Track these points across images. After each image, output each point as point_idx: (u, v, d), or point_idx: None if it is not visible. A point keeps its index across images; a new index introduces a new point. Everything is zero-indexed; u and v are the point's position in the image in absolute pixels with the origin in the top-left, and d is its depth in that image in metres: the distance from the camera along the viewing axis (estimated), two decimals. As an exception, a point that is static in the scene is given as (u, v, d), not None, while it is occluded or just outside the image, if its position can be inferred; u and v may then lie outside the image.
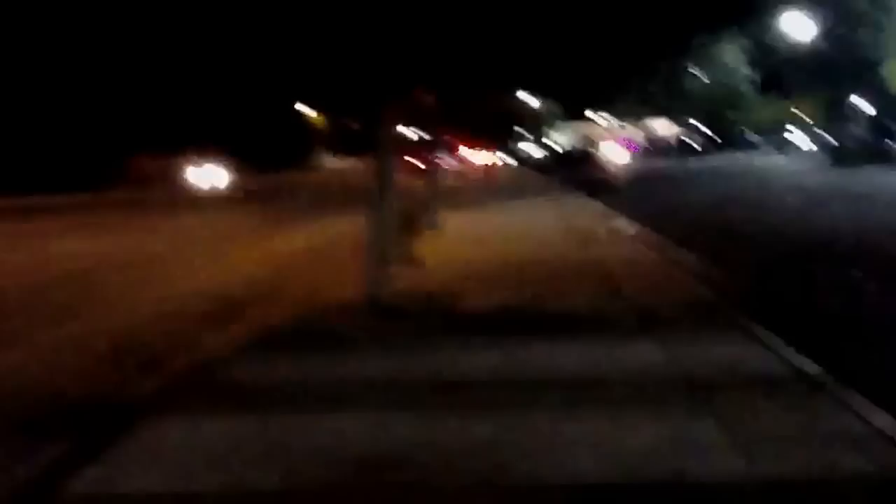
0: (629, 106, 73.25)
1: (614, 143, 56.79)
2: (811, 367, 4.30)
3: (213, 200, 25.34)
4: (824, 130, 51.40)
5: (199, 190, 30.15)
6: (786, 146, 53.04)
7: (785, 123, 55.44)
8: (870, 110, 39.74)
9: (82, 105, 31.96)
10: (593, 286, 7.21)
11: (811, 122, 53.17)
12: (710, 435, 3.40)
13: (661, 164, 47.74)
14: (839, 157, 36.29)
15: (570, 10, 73.91)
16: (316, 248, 11.31)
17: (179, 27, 36.66)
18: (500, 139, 67.76)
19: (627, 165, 35.95)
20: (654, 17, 67.37)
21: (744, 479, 2.96)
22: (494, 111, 59.82)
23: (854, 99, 41.49)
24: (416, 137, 17.52)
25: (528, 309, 6.34)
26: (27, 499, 3.06)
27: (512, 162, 64.46)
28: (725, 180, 27.87)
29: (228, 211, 21.04)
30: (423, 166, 13.78)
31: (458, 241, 11.01)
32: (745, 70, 60.92)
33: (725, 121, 64.78)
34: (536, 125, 78.81)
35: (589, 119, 79.84)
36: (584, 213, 15.64)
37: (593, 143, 48.06)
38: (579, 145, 53.15)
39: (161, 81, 35.75)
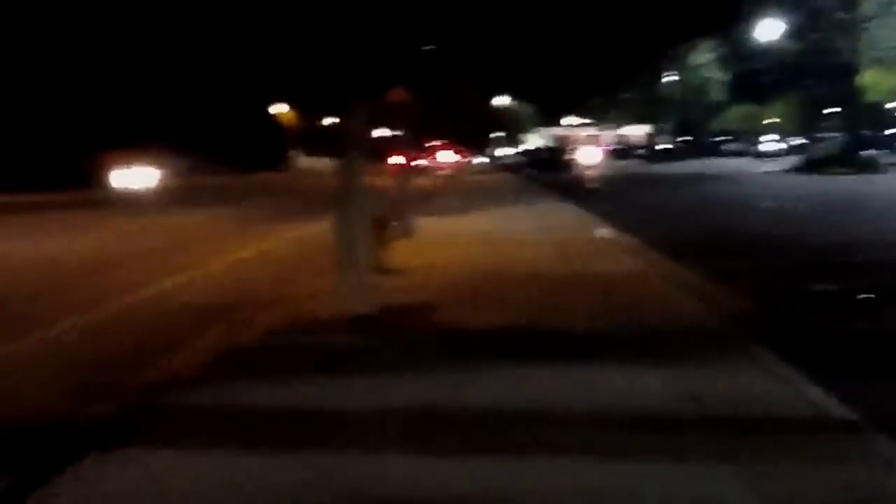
0: (604, 111, 73.63)
1: (589, 147, 56.95)
2: (837, 408, 3.72)
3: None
4: (798, 136, 51.80)
5: (126, 191, 28.67)
6: (760, 151, 53.30)
7: (758, 129, 55.82)
8: (844, 117, 39.99)
9: (51, 104, 31.19)
10: (583, 301, 6.62)
11: (785, 128, 53.59)
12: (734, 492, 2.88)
13: (634, 167, 47.69)
14: (813, 163, 36.39)
15: (549, 16, 73.93)
16: (275, 254, 10.68)
17: (154, 27, 35.88)
18: (477, 141, 67.57)
19: (601, 168, 36.33)
20: (631, 23, 67.55)
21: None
22: (472, 113, 59.44)
23: (828, 106, 41.79)
24: (391, 137, 16.93)
25: (517, 327, 5.72)
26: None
27: (489, 163, 64.30)
28: (701, 184, 27.79)
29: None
30: (403, 166, 13.26)
31: (434, 249, 10.39)
32: (719, 75, 61.31)
33: (699, 126, 65.18)
34: (513, 128, 78.72)
35: (565, 123, 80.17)
36: (563, 217, 15.13)
37: (568, 147, 48.11)
38: (554, 148, 53.16)
39: (134, 81, 35.08)
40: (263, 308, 6.55)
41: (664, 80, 65.03)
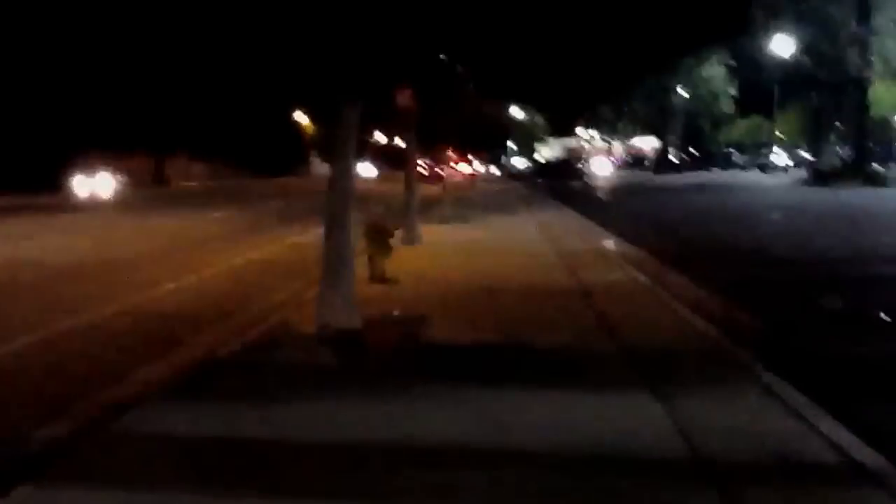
0: (614, 122, 73.50)
1: (599, 159, 56.80)
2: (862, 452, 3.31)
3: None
4: (806, 149, 51.53)
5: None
6: (766, 164, 53.03)
7: (766, 142, 55.54)
8: (852, 131, 39.71)
9: (55, 106, 31.00)
10: (583, 318, 6.38)
11: (792, 141, 53.31)
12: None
13: (642, 179, 47.47)
14: (820, 176, 36.16)
15: (560, 24, 73.78)
16: (275, 260, 10.52)
17: (177, 36, 35.93)
18: (489, 151, 67.37)
19: (610, 179, 36.30)
20: (640, 35, 67.28)
21: None
22: (484, 122, 59.29)
23: (837, 119, 41.51)
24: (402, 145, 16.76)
25: (511, 347, 5.44)
26: None
27: (500, 173, 64.22)
28: (707, 197, 27.56)
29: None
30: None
31: (437, 258, 10.22)
32: (727, 88, 61.07)
33: (707, 138, 64.94)
34: (526, 139, 78.54)
35: (575, 134, 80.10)
36: (569, 227, 14.97)
37: (578, 158, 48.03)
38: (565, 159, 53.20)
39: (159, 86, 35.18)
40: (247, 319, 6.34)
41: (673, 91, 64.78)
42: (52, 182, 27.10)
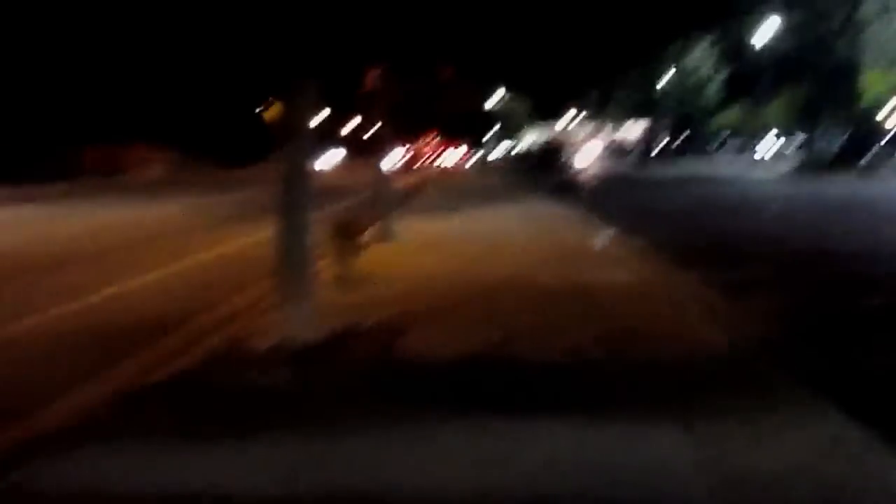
0: (600, 109, 72.93)
1: (584, 147, 56.33)
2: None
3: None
4: (796, 137, 51.12)
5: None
6: (756, 152, 52.57)
7: (756, 129, 55.04)
8: (843, 119, 39.25)
9: (38, 96, 30.45)
10: (570, 321, 5.58)
11: (782, 128, 52.89)
12: None
13: (628, 168, 46.86)
14: (811, 165, 35.71)
15: (546, 8, 72.90)
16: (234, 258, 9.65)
17: (160, 32, 35.35)
18: (470, 137, 66.64)
19: (595, 168, 35.80)
20: (628, 19, 66.58)
21: None
22: (465, 107, 58.49)
23: (828, 107, 41.04)
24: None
25: (499, 361, 4.63)
26: None
27: (482, 161, 63.52)
28: (694, 187, 26.81)
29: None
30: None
31: (413, 254, 9.39)
32: (716, 75, 60.53)
33: (695, 125, 64.50)
34: (509, 125, 77.73)
35: (560, 121, 79.31)
36: (553, 220, 14.15)
37: (563, 146, 47.45)
38: (549, 145, 52.49)
39: (131, 80, 34.90)
40: (190, 335, 5.53)
41: (661, 77, 64.05)
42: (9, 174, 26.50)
